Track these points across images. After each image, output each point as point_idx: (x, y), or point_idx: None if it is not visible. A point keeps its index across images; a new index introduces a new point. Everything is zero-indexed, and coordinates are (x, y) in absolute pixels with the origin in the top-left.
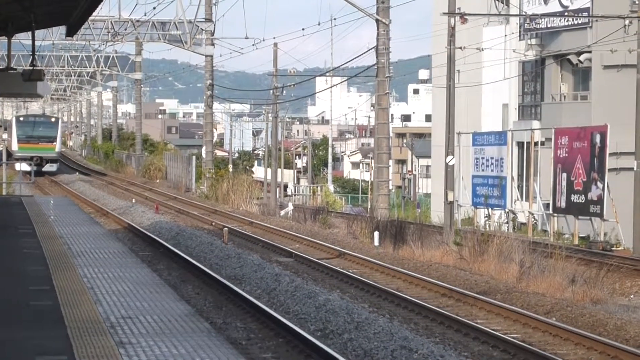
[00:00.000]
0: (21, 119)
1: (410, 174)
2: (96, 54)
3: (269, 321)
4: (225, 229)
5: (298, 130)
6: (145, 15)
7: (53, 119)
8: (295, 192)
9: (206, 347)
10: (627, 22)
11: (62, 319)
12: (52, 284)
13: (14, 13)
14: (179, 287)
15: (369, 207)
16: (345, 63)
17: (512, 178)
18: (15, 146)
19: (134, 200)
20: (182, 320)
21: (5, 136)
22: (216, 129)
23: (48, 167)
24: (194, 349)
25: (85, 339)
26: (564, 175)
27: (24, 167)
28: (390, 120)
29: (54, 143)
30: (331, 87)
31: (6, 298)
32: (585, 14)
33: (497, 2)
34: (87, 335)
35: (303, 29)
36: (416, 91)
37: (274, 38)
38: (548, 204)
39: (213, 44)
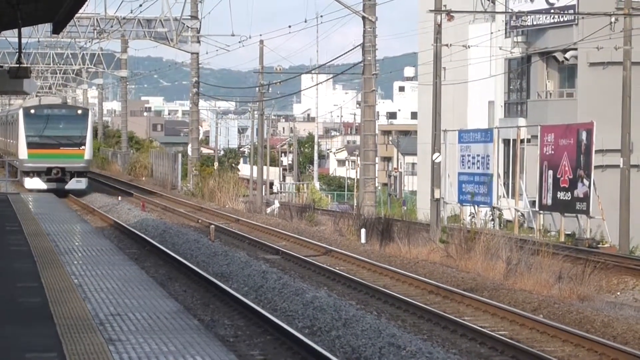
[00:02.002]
0: (32, 111)
1: (396, 172)
2: (82, 52)
3: (256, 318)
4: (212, 226)
5: (284, 128)
6: (131, 12)
7: (80, 111)
8: (281, 189)
9: (195, 344)
10: (613, 19)
11: (51, 316)
12: (40, 281)
13: (0, 10)
14: (167, 284)
15: (355, 204)
16: (331, 60)
17: (498, 175)
18: (23, 153)
19: (120, 198)
20: (170, 317)
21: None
22: (202, 127)
23: (74, 184)
24: (184, 346)
25: (74, 336)
26: (550, 172)
27: (36, 184)
28: (376, 117)
29: (83, 147)
30: (317, 84)
31: None
32: (571, 11)
33: None
34: (77, 333)
35: (289, 27)
36: (402, 88)
37: (260, 35)
38: (534, 201)
39: (199, 42)
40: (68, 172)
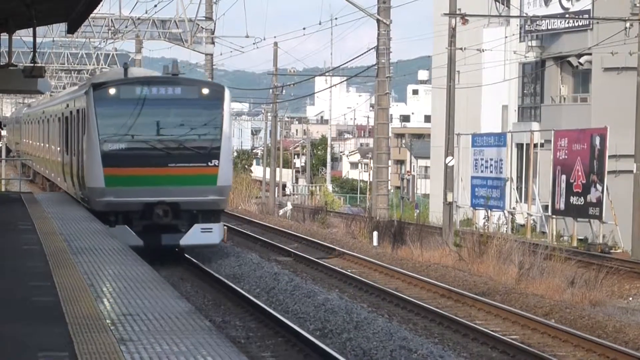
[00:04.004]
0: (112, 91)
1: (408, 175)
2: (96, 52)
3: (268, 320)
4: (225, 227)
5: (297, 130)
6: (146, 13)
7: (207, 90)
8: (293, 191)
9: (207, 345)
10: (627, 24)
11: (63, 316)
12: (52, 280)
13: (15, 9)
14: (178, 285)
15: (367, 207)
16: (345, 63)
17: (511, 180)
18: (94, 175)
19: None
20: (182, 318)
21: (4, 139)
22: None
23: (198, 237)
24: (195, 347)
25: (86, 336)
26: (563, 177)
27: (124, 235)
28: (389, 120)
29: (215, 163)
30: (330, 87)
31: (7, 294)
32: (586, 16)
33: (497, 3)
34: (88, 332)
35: (304, 29)
36: (415, 92)
37: (274, 37)
38: (547, 206)
39: (213, 43)
40: (185, 213)
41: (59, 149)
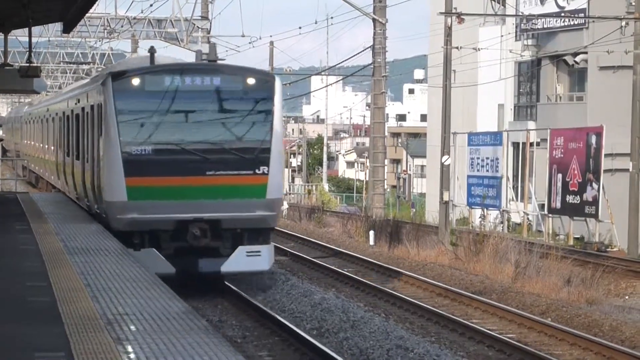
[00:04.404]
0: (136, 81)
1: (405, 174)
2: (92, 51)
3: (264, 319)
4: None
5: (293, 129)
6: (141, 12)
7: (253, 80)
8: (289, 190)
9: (203, 344)
10: (623, 23)
11: (59, 316)
12: (48, 280)
13: (11, 9)
14: (175, 285)
15: (364, 206)
16: (341, 62)
17: (507, 178)
18: (114, 186)
19: None
20: (179, 317)
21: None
22: None
23: (243, 262)
24: (192, 346)
25: (82, 336)
26: (559, 176)
27: (153, 261)
28: (385, 119)
29: (264, 170)
30: (326, 86)
31: (3, 294)
32: (582, 14)
33: (493, 2)
34: (85, 332)
35: (300, 28)
36: (411, 91)
37: (271, 36)
38: (543, 205)
39: (209, 42)
40: (227, 233)
41: (67, 153)
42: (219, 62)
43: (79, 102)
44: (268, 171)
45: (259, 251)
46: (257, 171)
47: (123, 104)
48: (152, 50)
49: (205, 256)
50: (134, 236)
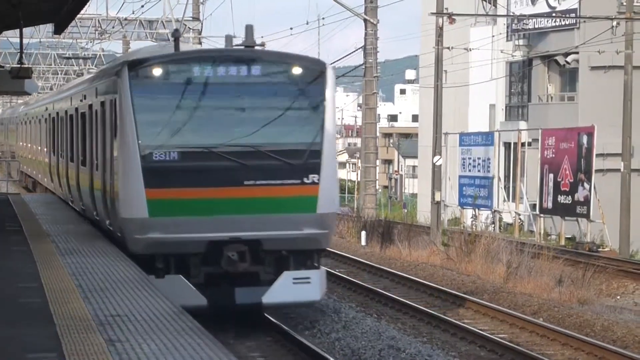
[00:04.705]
0: (157, 71)
1: (396, 174)
2: (83, 52)
3: (257, 319)
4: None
5: None
6: (132, 13)
7: (301, 70)
8: None
9: (195, 345)
10: (614, 23)
11: (51, 317)
12: (40, 281)
13: (2, 10)
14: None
15: (356, 206)
16: (332, 63)
17: (499, 179)
18: (131, 199)
19: None
20: (171, 318)
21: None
22: None
23: (287, 291)
24: (183, 347)
25: (74, 337)
26: (551, 176)
27: (182, 292)
28: (377, 120)
29: (315, 179)
30: None
31: None
32: (573, 14)
33: (484, 2)
34: (76, 333)
35: (291, 29)
36: (403, 91)
37: (262, 37)
38: (534, 205)
39: (200, 43)
40: (270, 255)
41: (70, 157)
42: (257, 47)
43: (84, 98)
44: (319, 180)
45: (308, 277)
46: (305, 180)
47: (142, 99)
48: (176, 34)
49: (243, 284)
50: (156, 260)
